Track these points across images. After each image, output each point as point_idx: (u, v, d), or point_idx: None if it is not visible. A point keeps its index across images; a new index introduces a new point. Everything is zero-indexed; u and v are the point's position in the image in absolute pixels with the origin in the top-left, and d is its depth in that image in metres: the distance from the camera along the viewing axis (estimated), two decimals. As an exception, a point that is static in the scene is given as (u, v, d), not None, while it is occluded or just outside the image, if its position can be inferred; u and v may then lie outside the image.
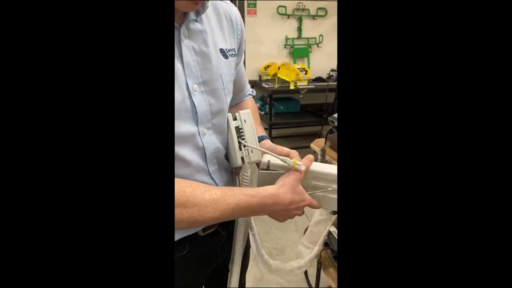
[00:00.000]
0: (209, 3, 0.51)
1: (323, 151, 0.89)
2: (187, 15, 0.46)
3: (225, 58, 0.52)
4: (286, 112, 2.96)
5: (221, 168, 0.55)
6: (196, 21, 0.47)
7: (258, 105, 3.09)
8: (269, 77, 2.93)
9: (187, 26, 0.46)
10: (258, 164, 0.55)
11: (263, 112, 2.91)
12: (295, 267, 0.97)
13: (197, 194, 0.41)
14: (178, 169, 0.47)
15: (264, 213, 0.49)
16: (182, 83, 0.46)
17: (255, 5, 2.96)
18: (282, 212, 0.49)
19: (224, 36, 0.52)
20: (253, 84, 3.11)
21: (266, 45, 3.09)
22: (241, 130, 0.52)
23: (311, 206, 0.52)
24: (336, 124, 0.86)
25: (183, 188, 0.41)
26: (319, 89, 2.71)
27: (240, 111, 0.53)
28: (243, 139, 0.52)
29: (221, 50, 0.52)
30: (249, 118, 0.53)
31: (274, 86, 2.69)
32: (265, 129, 3.32)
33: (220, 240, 0.61)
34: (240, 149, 0.52)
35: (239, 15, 0.57)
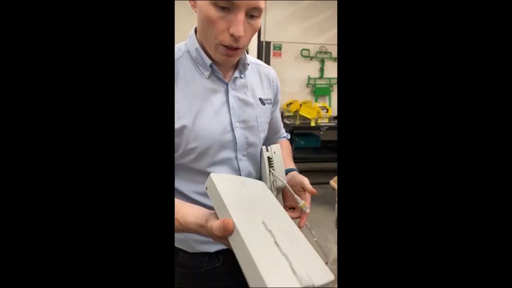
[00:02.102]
0: (254, 67, 0.68)
1: (341, 189, 0.95)
2: (234, 73, 0.62)
3: (262, 105, 0.68)
4: (307, 147, 3.03)
5: None
6: (241, 77, 0.64)
7: (279, 139, 3.19)
8: (291, 114, 3.06)
9: (234, 81, 0.62)
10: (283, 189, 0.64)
11: (284, 147, 3.00)
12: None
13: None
14: None
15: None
16: (227, 121, 0.60)
17: (280, 48, 3.20)
18: None
19: (263, 89, 0.69)
20: (275, 119, 3.25)
21: (289, 84, 3.27)
22: (271, 160, 0.64)
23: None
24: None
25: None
26: (339, 127, 2.78)
27: (272, 145, 0.66)
28: (273, 167, 0.64)
29: (260, 99, 0.67)
30: (278, 151, 0.65)
31: (296, 122, 2.80)
32: (285, 163, 3.36)
33: None
34: (271, 174, 0.63)
35: (276, 75, 0.74)
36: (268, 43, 3.15)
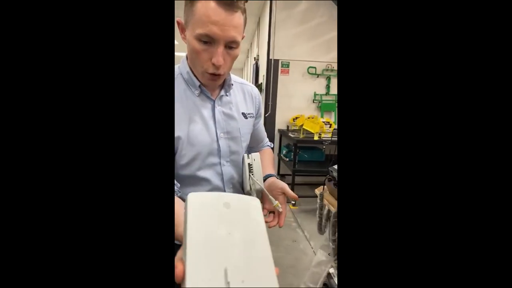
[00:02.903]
0: (239, 86, 0.80)
1: (321, 196, 1.05)
2: (220, 92, 0.74)
3: (245, 118, 0.79)
4: (311, 160, 3.11)
5: (235, 192, 0.77)
6: (226, 95, 0.76)
7: (284, 152, 3.29)
8: (297, 128, 3.17)
9: (220, 98, 0.74)
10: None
11: (287, 159, 3.09)
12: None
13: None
14: (203, 186, 0.70)
15: None
16: (213, 132, 0.72)
17: (288, 66, 3.36)
18: None
19: (246, 105, 0.81)
20: (281, 133, 3.37)
21: (295, 99, 3.40)
22: (251, 166, 0.75)
23: None
24: (333, 174, 1.02)
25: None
26: (342, 142, 2.85)
27: (252, 153, 0.76)
28: (252, 172, 0.74)
29: (243, 114, 0.79)
30: (258, 158, 0.76)
31: (299, 136, 2.90)
32: (288, 175, 3.37)
33: None
34: (250, 178, 0.74)
35: (258, 92, 0.86)
36: (276, 61, 3.31)
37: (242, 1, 0.61)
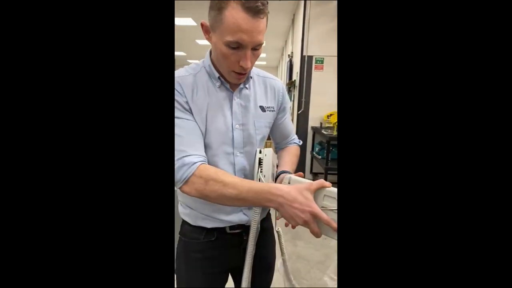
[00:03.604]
0: (261, 80, 0.84)
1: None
2: (240, 85, 0.79)
3: (263, 112, 0.82)
4: (345, 158, 3.03)
5: None
6: (246, 87, 0.80)
7: (316, 149, 3.25)
8: (331, 125, 3.11)
9: (239, 91, 0.79)
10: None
11: (320, 157, 3.06)
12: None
13: (225, 175, 0.65)
14: None
15: (273, 204, 0.61)
16: (230, 122, 0.77)
17: (322, 62, 3.31)
18: (287, 207, 0.60)
19: (266, 98, 0.84)
20: (314, 130, 3.33)
21: (330, 96, 3.34)
22: (261, 161, 0.79)
23: (318, 216, 0.58)
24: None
25: (216, 171, 0.66)
26: (378, 139, 2.73)
27: (265, 148, 0.79)
28: (261, 167, 0.79)
29: (260, 107, 0.82)
30: (269, 154, 0.79)
31: (333, 133, 2.85)
32: (321, 173, 3.32)
33: (242, 242, 0.83)
34: (258, 173, 0.78)
35: (282, 87, 0.88)
36: (310, 57, 3.29)
37: (267, 6, 0.65)
